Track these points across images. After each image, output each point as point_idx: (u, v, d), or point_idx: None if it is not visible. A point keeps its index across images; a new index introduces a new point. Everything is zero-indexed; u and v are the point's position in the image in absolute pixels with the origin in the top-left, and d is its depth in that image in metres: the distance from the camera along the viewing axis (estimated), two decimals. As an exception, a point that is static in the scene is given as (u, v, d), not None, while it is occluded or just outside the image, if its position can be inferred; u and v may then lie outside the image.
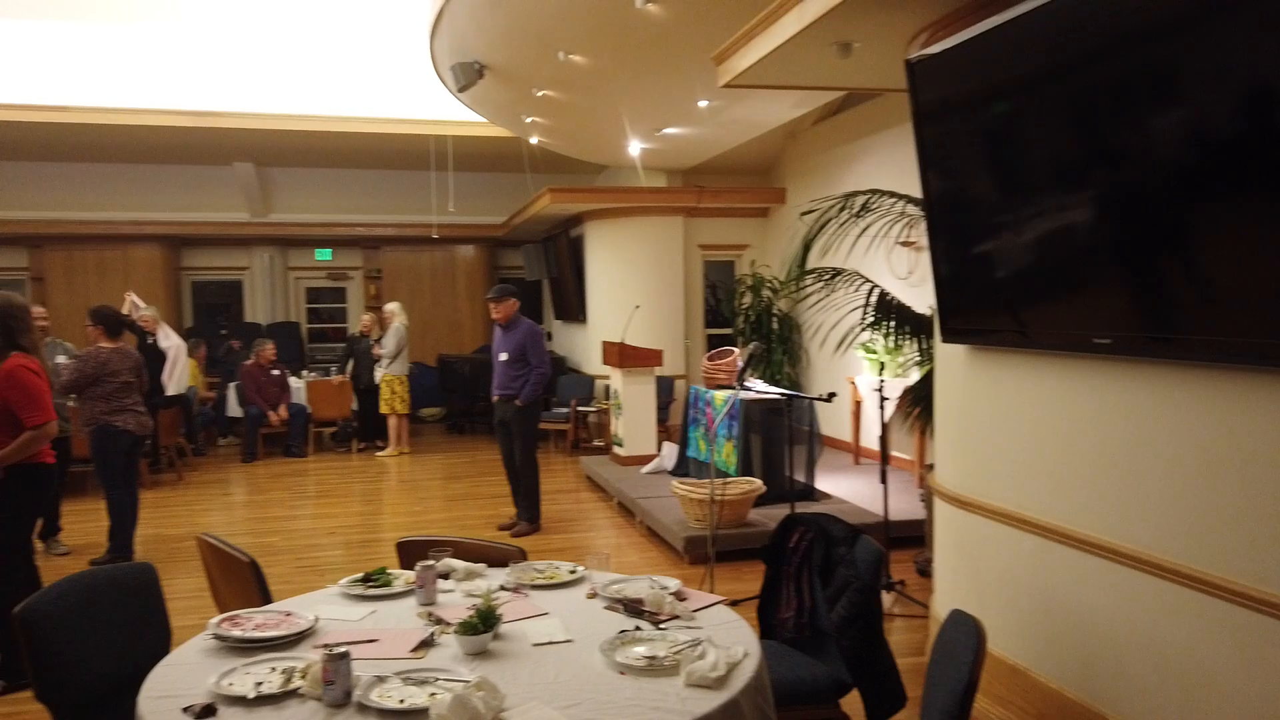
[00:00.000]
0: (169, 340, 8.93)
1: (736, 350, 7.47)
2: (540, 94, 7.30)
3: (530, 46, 6.44)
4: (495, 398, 6.59)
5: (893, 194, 5.44)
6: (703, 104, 7.35)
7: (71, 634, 2.47)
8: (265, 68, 9.61)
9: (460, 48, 6.79)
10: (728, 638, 2.31)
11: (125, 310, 8.50)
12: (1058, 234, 2.95)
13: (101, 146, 10.43)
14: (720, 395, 6.82)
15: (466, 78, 6.92)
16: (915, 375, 6.35)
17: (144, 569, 2.82)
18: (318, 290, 13.88)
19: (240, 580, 2.99)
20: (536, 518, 6.75)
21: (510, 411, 6.49)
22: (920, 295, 6.04)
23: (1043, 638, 3.22)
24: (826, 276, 5.71)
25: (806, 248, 5.85)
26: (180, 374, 8.98)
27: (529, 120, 8.35)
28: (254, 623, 2.46)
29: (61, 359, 6.35)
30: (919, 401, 5.50)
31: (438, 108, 9.45)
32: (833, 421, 8.53)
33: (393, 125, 9.89)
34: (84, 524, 6.69)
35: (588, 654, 2.26)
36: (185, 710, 1.97)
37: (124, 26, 9.33)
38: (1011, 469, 3.38)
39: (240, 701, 2.01)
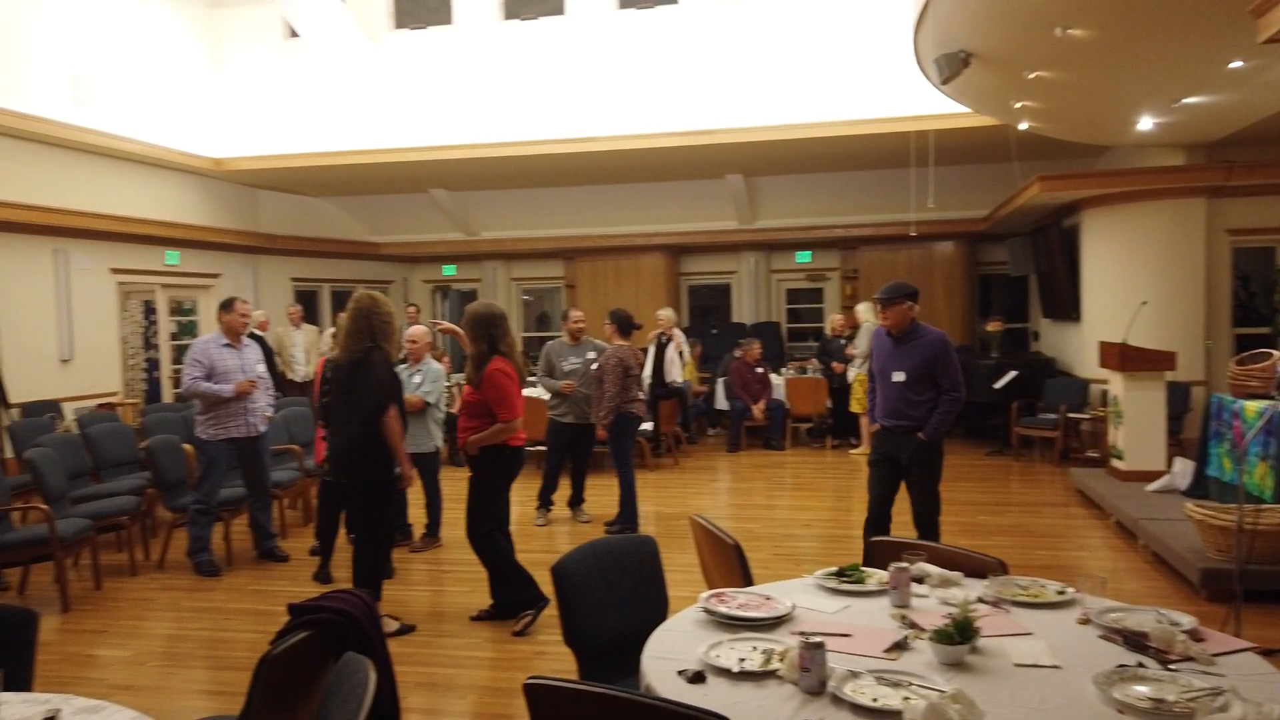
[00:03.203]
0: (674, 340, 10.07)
1: (1276, 354, 6.25)
2: (1032, 76, 6.81)
3: (1022, 27, 6.03)
4: (875, 426, 5.22)
5: None
6: (1234, 65, 6.27)
7: (590, 591, 2.88)
8: (752, 83, 10.23)
9: (945, 38, 6.60)
10: (1259, 692, 1.96)
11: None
12: None
13: (619, 169, 11.94)
14: (1253, 406, 5.77)
15: (951, 68, 6.70)
16: None
17: (647, 541, 3.17)
18: (796, 291, 14.46)
19: (725, 561, 3.23)
20: None
21: (909, 447, 4.98)
22: None
23: None
24: None
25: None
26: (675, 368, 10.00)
27: (1017, 105, 7.82)
28: (738, 602, 2.65)
29: (591, 355, 7.36)
30: None
31: (917, 103, 9.29)
32: None
33: (872, 125, 9.91)
34: (600, 497, 7.73)
35: (1078, 684, 2.07)
36: (679, 673, 2.18)
37: (634, 61, 10.59)
38: None
39: (725, 674, 2.18)
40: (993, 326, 11.24)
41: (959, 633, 2.22)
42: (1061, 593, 2.70)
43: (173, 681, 4.29)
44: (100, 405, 9.67)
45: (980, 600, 2.64)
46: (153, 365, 12.35)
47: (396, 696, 2.66)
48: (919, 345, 4.97)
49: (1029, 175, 9.63)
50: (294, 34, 11.18)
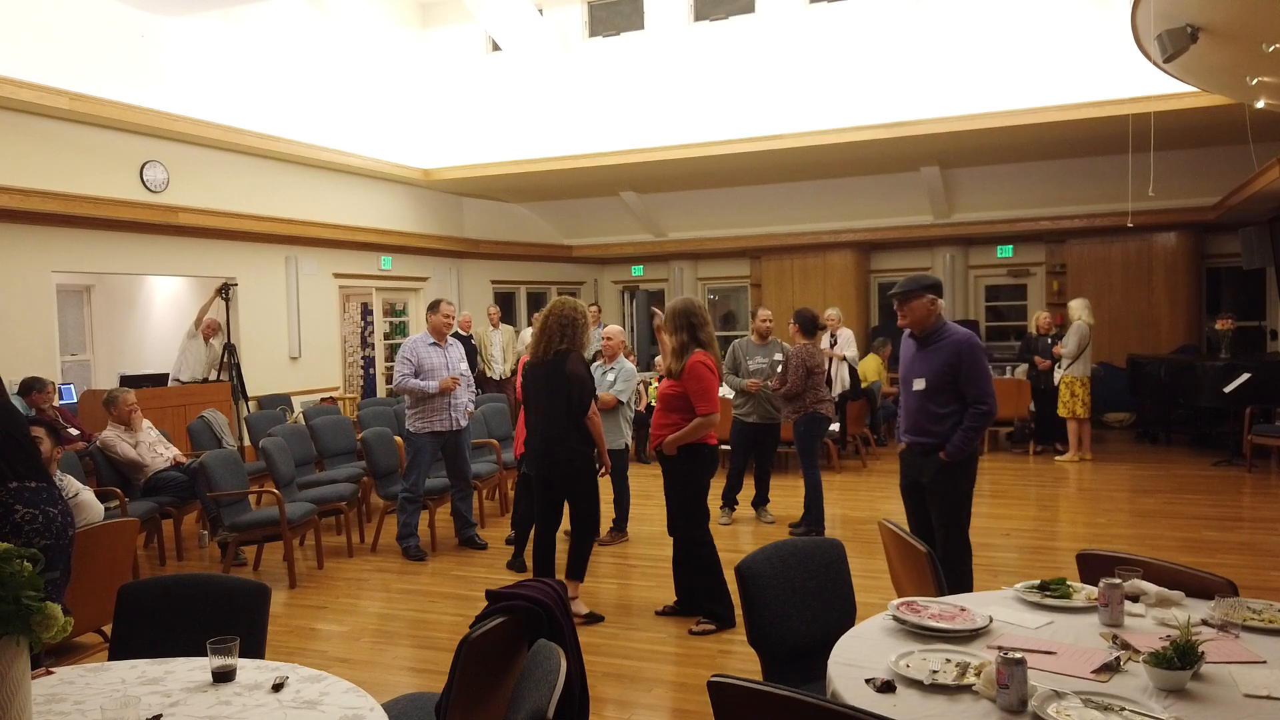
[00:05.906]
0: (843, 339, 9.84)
1: None
2: (1271, 49, 6.16)
3: (1257, -6, 5.47)
4: (902, 445, 4.48)
5: None
6: None
7: (774, 592, 2.85)
8: (951, 70, 9.80)
9: (1169, 12, 6.09)
10: None
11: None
12: None
13: (807, 166, 11.74)
14: None
15: (1175, 45, 6.17)
16: None
17: (833, 544, 3.11)
18: (996, 288, 13.73)
19: (917, 568, 3.12)
20: None
21: (929, 469, 4.25)
22: None
23: None
24: None
25: None
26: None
27: (1254, 82, 7.10)
28: (930, 611, 2.55)
29: (778, 356, 7.30)
30: None
31: (1134, 83, 8.60)
32: None
33: (1084, 110, 9.24)
34: (785, 498, 7.64)
35: (1322, 723, 1.86)
36: (867, 682, 2.13)
37: (826, 55, 10.41)
38: None
39: (916, 685, 2.11)
40: (1222, 325, 10.23)
41: (1179, 657, 2.04)
42: (1303, 620, 2.43)
43: (383, 657, 4.62)
44: (323, 399, 10.56)
45: (1205, 623, 2.42)
46: (369, 362, 13.36)
47: (586, 685, 2.75)
48: (941, 348, 4.23)
49: (1268, 158, 8.70)
50: (496, 48, 11.76)
